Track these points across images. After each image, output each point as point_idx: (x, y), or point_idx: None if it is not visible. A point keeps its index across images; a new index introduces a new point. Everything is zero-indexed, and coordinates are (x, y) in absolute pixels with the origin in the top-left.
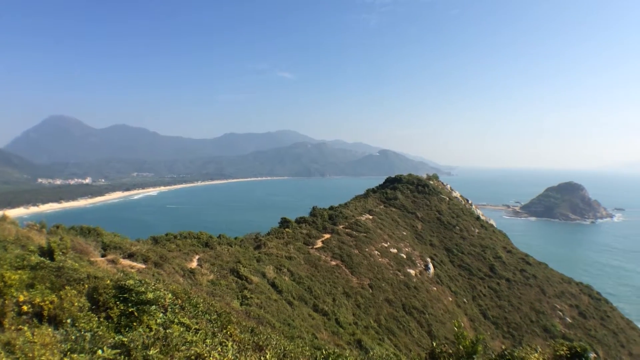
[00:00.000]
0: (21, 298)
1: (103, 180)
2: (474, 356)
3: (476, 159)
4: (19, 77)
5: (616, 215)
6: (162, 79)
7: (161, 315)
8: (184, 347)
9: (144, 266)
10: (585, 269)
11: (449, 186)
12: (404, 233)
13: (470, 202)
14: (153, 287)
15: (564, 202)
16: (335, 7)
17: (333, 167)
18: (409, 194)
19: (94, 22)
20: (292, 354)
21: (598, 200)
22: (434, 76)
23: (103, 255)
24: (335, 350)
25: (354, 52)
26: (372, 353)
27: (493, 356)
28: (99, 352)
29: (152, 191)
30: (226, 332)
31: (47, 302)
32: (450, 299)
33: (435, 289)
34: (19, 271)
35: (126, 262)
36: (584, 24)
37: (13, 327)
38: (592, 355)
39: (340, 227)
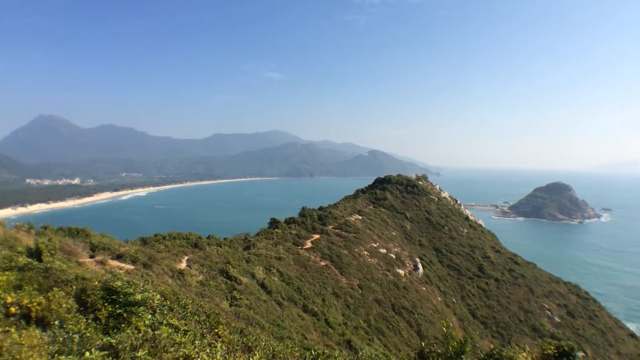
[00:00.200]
0: (9, 299)
1: (91, 180)
2: (463, 356)
3: (465, 159)
4: (7, 77)
5: (603, 216)
6: (151, 80)
7: (149, 316)
8: (173, 348)
9: (132, 267)
10: (572, 268)
11: (437, 186)
12: (393, 233)
13: (459, 202)
14: (141, 288)
15: (552, 202)
16: (323, 8)
17: (322, 168)
18: (398, 194)
19: (81, 22)
20: (281, 355)
21: (586, 200)
22: (423, 77)
23: (91, 256)
24: (325, 351)
25: (343, 53)
26: (361, 353)
27: (482, 356)
28: (87, 353)
29: (141, 192)
30: (215, 333)
31: (34, 304)
32: (440, 298)
33: (424, 289)
34: (7, 272)
35: (115, 263)
36: (571, 23)
37: (0, 329)
38: (580, 354)
39: (330, 227)
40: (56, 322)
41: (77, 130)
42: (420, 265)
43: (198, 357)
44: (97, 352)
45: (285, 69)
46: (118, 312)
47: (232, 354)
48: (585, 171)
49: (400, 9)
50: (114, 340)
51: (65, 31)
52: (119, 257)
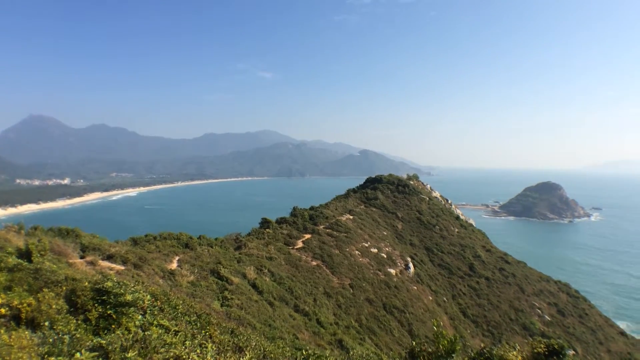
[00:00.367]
0: None
1: (82, 180)
2: (453, 354)
3: (456, 159)
4: None
5: (593, 215)
6: (142, 79)
7: (140, 317)
8: (163, 349)
9: (123, 268)
10: (562, 267)
11: (429, 186)
12: (385, 233)
13: (449, 201)
14: (132, 289)
15: (542, 201)
16: (315, 8)
17: (314, 168)
18: (390, 194)
19: (71, 21)
20: (272, 355)
21: (576, 199)
22: (414, 77)
23: (82, 257)
24: (316, 351)
25: (335, 52)
26: (352, 353)
27: (472, 354)
28: (77, 355)
29: (132, 192)
30: (206, 334)
31: (24, 305)
32: (431, 298)
33: (415, 288)
34: None
35: (105, 263)
36: (562, 22)
37: None
38: (570, 352)
39: (321, 227)
40: (46, 323)
41: (67, 130)
42: (411, 265)
43: (188, 357)
44: (87, 353)
45: (278, 69)
46: (108, 313)
47: (222, 354)
48: (576, 170)
49: (392, 9)
50: (104, 341)
51: (56, 31)
52: (110, 258)
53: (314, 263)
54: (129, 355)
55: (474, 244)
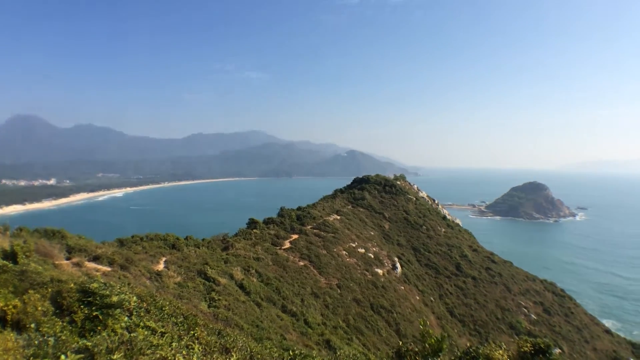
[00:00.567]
0: None
1: (68, 181)
2: (440, 353)
3: (443, 159)
4: None
5: (579, 214)
6: (129, 79)
7: (126, 318)
8: (149, 350)
9: (109, 269)
10: (548, 266)
11: (415, 186)
12: (372, 233)
13: (436, 202)
14: (118, 290)
15: (528, 201)
16: (303, 7)
17: (301, 168)
18: (377, 194)
19: (57, 20)
20: (259, 356)
21: (561, 199)
22: (400, 77)
23: (68, 258)
24: (303, 351)
25: (322, 52)
26: (340, 353)
27: (459, 353)
28: (62, 357)
29: (118, 192)
30: (193, 335)
31: (10, 307)
32: (418, 297)
33: (402, 288)
34: None
35: (91, 264)
36: (546, 23)
37: None
38: (556, 350)
39: (308, 227)
40: (32, 325)
41: (53, 130)
42: (398, 265)
43: (175, 359)
44: (73, 355)
45: (265, 69)
46: (94, 314)
47: (209, 356)
48: (558, 171)
49: (380, 9)
50: (90, 343)
51: (41, 30)
52: (96, 259)
53: (302, 263)
54: (115, 357)
55: (461, 243)
